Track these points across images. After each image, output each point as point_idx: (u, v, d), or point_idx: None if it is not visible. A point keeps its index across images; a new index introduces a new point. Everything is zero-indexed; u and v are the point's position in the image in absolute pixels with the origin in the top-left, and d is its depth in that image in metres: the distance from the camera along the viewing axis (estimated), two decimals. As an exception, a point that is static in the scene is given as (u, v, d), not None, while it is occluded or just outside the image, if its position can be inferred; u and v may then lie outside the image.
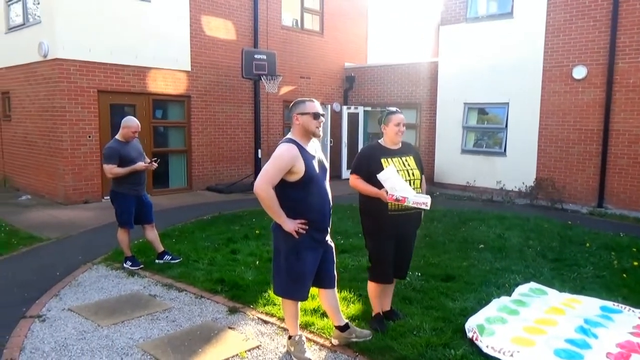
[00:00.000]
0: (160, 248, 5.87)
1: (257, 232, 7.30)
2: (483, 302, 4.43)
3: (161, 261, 5.79)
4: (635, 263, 5.83)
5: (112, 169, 5.35)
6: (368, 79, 14.76)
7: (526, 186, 10.82)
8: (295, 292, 3.37)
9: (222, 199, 10.47)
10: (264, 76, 11.04)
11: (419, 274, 5.25)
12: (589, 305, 4.36)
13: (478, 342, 3.61)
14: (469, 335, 3.75)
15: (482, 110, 12.28)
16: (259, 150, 11.74)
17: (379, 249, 3.87)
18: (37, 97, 10.09)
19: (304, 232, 3.25)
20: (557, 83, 10.66)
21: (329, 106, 14.11)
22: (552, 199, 10.16)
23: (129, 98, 10.29)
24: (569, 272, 5.49)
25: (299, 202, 3.26)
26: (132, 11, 10.04)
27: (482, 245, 6.63)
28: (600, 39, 10.03)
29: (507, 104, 11.42)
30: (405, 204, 3.58)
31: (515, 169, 11.23)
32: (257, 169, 11.70)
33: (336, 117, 14.52)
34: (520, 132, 11.20)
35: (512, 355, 3.42)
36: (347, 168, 14.60)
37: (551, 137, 10.83)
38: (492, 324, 3.90)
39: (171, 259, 5.82)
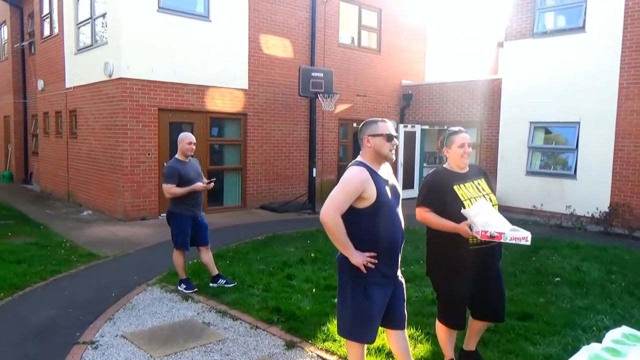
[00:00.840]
0: (215, 271, 5.71)
1: (312, 255, 7.03)
2: (569, 349, 3.92)
3: (215, 285, 5.62)
4: None
5: (171, 189, 5.25)
6: (426, 96, 14.33)
7: (600, 212, 10.00)
8: (362, 334, 3.04)
9: (276, 218, 10.33)
10: (320, 94, 10.88)
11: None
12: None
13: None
14: None
15: (547, 130, 11.57)
16: (314, 169, 11.54)
17: (452, 289, 3.45)
18: (101, 115, 10.37)
19: (373, 266, 2.93)
20: (635, 101, 9.86)
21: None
22: (630, 227, 9.32)
23: (187, 116, 10.39)
24: (664, 315, 4.86)
25: (368, 232, 2.93)
26: (193, 31, 10.18)
27: (558, 279, 6.05)
28: (686, 53, 9.21)
29: (578, 123, 10.67)
30: (502, 240, 3.18)
31: (587, 193, 10.42)
32: (312, 188, 11.51)
33: (392, 135, 14.11)
34: (593, 154, 10.41)
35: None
36: (403, 188, 14.16)
37: (628, 159, 9.99)
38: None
39: (225, 283, 5.64)
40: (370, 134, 3.04)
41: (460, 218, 3.34)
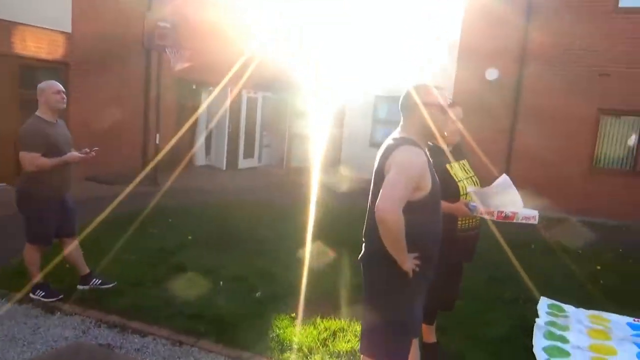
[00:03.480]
0: (86, 269, 4.30)
1: (189, 237, 5.96)
2: (518, 326, 3.95)
3: (86, 287, 4.25)
4: None
5: (38, 160, 3.69)
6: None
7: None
8: (401, 354, 2.40)
9: (109, 193, 8.21)
10: (167, 48, 9.35)
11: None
12: (618, 324, 4.14)
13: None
14: None
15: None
16: (157, 135, 9.98)
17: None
18: None
19: (418, 269, 2.32)
20: (470, 83, 10.85)
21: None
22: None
23: (-14, 60, 7.86)
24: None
25: (414, 230, 2.25)
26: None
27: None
28: None
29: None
30: (514, 220, 2.85)
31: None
32: (149, 157, 9.97)
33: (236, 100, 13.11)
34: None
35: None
36: (244, 157, 13.41)
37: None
38: (556, 357, 3.45)
39: (101, 284, 4.30)
40: (424, 101, 2.35)
41: (453, 200, 2.97)
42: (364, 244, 2.45)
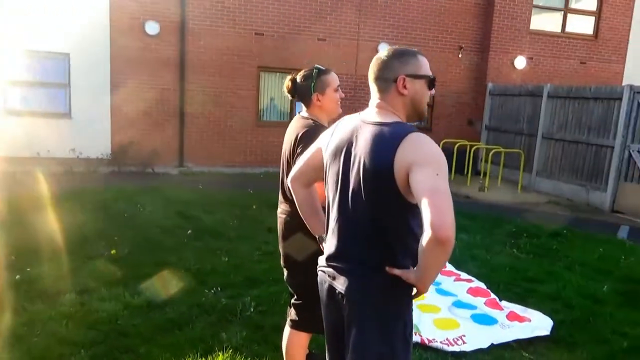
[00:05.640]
0: None
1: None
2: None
3: None
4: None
5: None
6: None
7: (107, 154, 9.67)
8: None
9: None
10: None
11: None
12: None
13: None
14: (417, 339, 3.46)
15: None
16: None
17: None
18: None
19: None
20: (128, 38, 9.75)
21: None
22: (144, 164, 9.56)
23: None
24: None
25: (414, 236, 1.78)
26: None
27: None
28: (168, -5, 9.81)
29: (68, 55, 9.58)
30: None
31: (90, 134, 9.73)
32: None
33: None
34: (87, 91, 9.67)
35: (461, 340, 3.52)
36: None
37: (127, 97, 9.92)
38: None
39: None
40: (409, 73, 1.85)
41: None
42: (350, 272, 1.89)
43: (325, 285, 2.00)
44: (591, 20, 12.17)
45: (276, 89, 10.87)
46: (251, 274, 4.48)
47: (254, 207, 6.95)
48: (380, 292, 1.84)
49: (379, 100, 1.90)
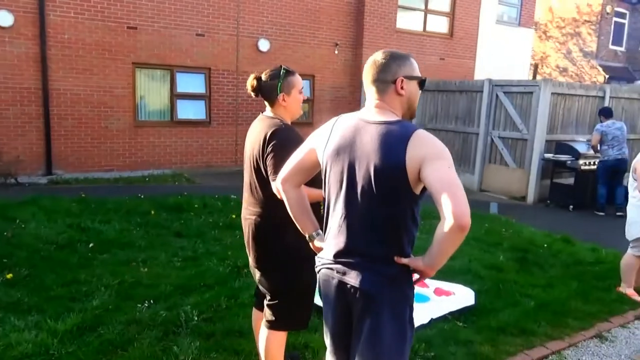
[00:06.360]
0: None
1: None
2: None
3: None
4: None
5: None
6: None
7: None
8: None
9: None
10: None
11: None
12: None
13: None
14: None
15: None
16: None
17: (305, 280, 2.57)
18: None
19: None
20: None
21: None
22: (3, 174, 8.35)
23: None
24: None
25: (417, 225, 1.98)
26: None
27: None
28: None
29: None
30: None
31: None
32: None
33: None
34: None
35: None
36: None
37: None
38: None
39: None
40: (406, 74, 1.97)
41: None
42: (362, 266, 1.94)
43: (334, 282, 2.01)
44: (446, 20, 13.50)
45: (155, 87, 10.24)
46: (179, 282, 4.21)
47: (152, 212, 6.53)
48: (392, 282, 1.93)
49: (377, 101, 1.98)
